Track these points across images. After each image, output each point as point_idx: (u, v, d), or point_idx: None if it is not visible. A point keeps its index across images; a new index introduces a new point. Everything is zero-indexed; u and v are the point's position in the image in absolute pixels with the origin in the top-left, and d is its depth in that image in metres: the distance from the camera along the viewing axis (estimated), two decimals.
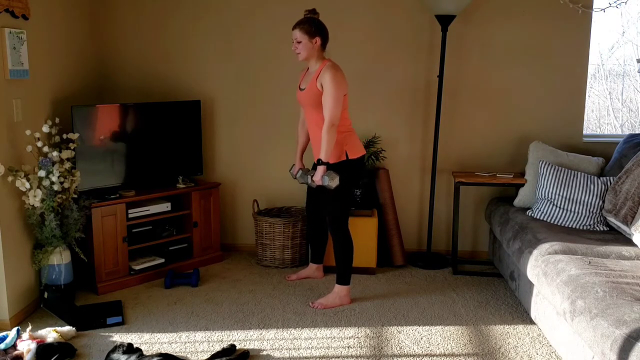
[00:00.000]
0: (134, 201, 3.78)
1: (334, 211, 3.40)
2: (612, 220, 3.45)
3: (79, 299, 3.55)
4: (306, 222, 3.91)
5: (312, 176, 3.38)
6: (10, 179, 3.13)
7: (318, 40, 3.29)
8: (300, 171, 3.61)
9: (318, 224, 3.74)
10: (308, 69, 3.43)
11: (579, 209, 3.56)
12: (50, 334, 2.97)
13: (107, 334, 3.12)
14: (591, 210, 3.54)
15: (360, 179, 3.42)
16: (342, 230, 3.43)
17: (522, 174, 4.00)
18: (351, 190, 3.40)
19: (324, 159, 3.26)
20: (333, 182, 3.26)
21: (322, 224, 3.73)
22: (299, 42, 3.29)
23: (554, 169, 3.71)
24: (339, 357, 2.91)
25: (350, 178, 3.37)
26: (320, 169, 3.28)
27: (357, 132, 4.13)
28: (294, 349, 2.98)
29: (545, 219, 3.62)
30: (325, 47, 3.35)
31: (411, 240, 4.40)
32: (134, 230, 3.81)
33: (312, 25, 3.28)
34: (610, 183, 3.54)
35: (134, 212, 3.79)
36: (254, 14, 4.20)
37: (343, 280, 3.49)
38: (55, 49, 3.64)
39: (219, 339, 3.07)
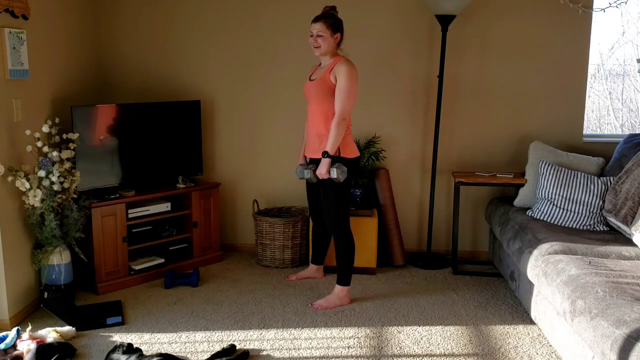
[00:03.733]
0: (134, 201, 3.78)
1: (332, 211, 3.39)
2: (612, 220, 3.45)
3: (79, 299, 3.55)
4: (311, 222, 3.90)
5: (313, 170, 3.36)
6: (10, 179, 3.13)
7: (339, 36, 3.29)
8: (300, 166, 3.57)
9: (322, 225, 3.70)
10: (320, 64, 3.42)
11: (579, 209, 3.56)
12: (50, 334, 2.97)
13: (107, 334, 3.12)
14: (591, 210, 3.54)
15: (352, 180, 3.40)
16: (344, 230, 3.42)
17: (522, 174, 4.00)
18: (347, 190, 3.38)
19: (330, 152, 3.24)
20: (342, 175, 3.24)
21: (326, 225, 3.71)
22: (320, 36, 3.26)
23: (554, 169, 3.71)
24: (339, 357, 2.91)
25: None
26: (325, 162, 3.24)
27: (357, 132, 4.17)
28: (294, 349, 2.98)
29: (545, 219, 3.61)
30: (340, 45, 3.35)
31: (411, 240, 4.40)
32: (134, 230, 3.81)
33: (336, 21, 3.29)
34: (610, 183, 3.54)
35: (134, 212, 3.79)
36: (254, 13, 4.20)
37: (343, 281, 3.48)
38: (55, 49, 3.64)
39: (219, 339, 3.07)
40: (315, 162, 3.40)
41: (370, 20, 4.15)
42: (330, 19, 3.27)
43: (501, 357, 2.91)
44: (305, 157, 3.61)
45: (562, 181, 3.65)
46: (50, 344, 2.85)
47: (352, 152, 3.36)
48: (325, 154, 3.24)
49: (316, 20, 3.29)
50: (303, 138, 3.66)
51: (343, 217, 3.41)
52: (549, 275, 2.88)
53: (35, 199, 3.20)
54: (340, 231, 3.42)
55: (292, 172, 4.05)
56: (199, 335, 3.11)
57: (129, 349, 2.83)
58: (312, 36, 3.29)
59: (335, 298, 3.48)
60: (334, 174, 3.23)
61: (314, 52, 3.34)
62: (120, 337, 3.08)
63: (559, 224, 3.56)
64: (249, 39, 4.23)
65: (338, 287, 3.49)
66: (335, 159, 3.27)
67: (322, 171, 3.26)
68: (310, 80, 3.42)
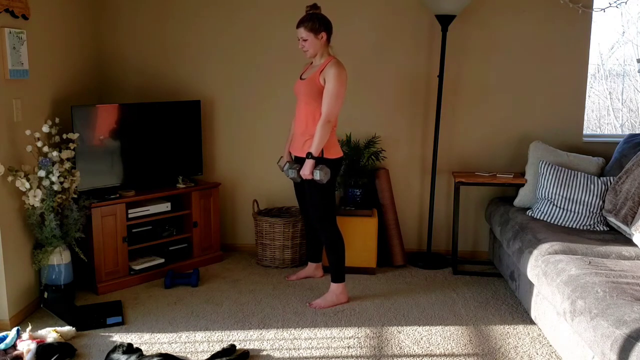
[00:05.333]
0: (134, 201, 3.78)
1: (317, 210, 3.39)
2: (612, 220, 3.45)
3: (79, 299, 3.55)
4: (303, 221, 3.92)
5: (297, 170, 3.37)
6: (10, 179, 3.13)
7: (324, 35, 3.28)
8: (288, 164, 3.56)
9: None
10: (312, 63, 3.42)
11: (579, 209, 3.56)
12: (50, 334, 2.97)
13: (107, 334, 3.12)
14: (591, 210, 3.54)
15: (336, 180, 3.41)
16: (330, 228, 3.42)
17: (522, 174, 4.00)
18: (331, 189, 3.39)
19: (314, 153, 3.24)
20: (325, 176, 3.24)
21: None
22: (305, 40, 3.27)
23: (554, 169, 3.71)
24: (339, 357, 2.91)
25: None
26: (309, 163, 3.24)
27: (357, 132, 4.18)
28: (294, 349, 2.98)
29: (545, 219, 3.61)
30: (330, 41, 3.34)
31: (411, 240, 4.40)
32: (134, 230, 3.81)
33: (316, 21, 3.27)
34: (611, 183, 3.54)
35: (134, 212, 3.79)
36: (254, 13, 4.20)
37: (337, 278, 3.48)
38: (55, 49, 3.64)
39: (219, 339, 3.07)
40: (299, 160, 3.40)
41: (370, 20, 4.14)
42: (311, 22, 3.26)
43: (501, 357, 2.91)
44: (290, 153, 3.60)
45: (562, 181, 3.65)
46: (50, 344, 2.85)
47: (335, 153, 3.36)
48: (309, 155, 3.25)
49: (298, 25, 3.29)
50: (289, 132, 3.64)
51: (328, 216, 3.41)
52: (549, 275, 2.88)
53: (35, 199, 3.20)
54: (326, 229, 3.42)
55: (283, 172, 4.03)
56: (199, 335, 3.11)
57: (129, 349, 2.83)
58: (299, 41, 3.31)
59: (333, 296, 3.48)
60: (317, 175, 3.24)
61: (304, 55, 3.36)
62: (120, 337, 3.08)
63: (559, 224, 3.56)
64: (249, 39, 4.23)
65: (333, 285, 3.49)
66: (319, 160, 3.28)
67: (305, 172, 3.27)
68: (301, 78, 3.43)
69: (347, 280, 3.54)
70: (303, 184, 3.41)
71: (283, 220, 4.06)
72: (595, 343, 2.33)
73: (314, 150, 3.24)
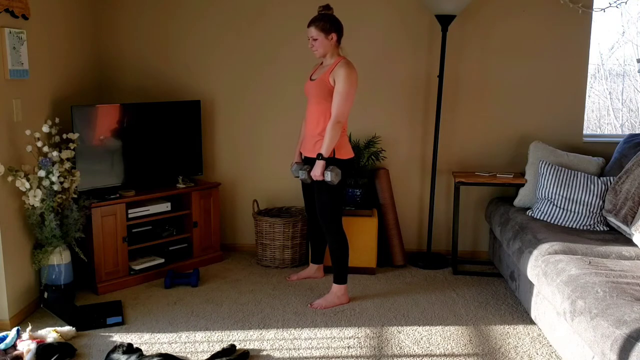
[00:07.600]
0: (134, 201, 3.78)
1: (325, 210, 3.40)
2: (612, 220, 3.45)
3: (79, 299, 3.55)
4: (307, 222, 3.92)
5: (308, 171, 3.37)
6: (10, 179, 3.13)
7: (334, 36, 3.29)
8: (296, 165, 3.58)
9: (318, 224, 3.72)
10: (322, 63, 3.43)
11: (579, 209, 3.56)
12: (50, 334, 2.97)
13: (107, 334, 3.12)
14: (591, 210, 3.54)
15: (346, 181, 3.41)
16: (335, 229, 3.42)
17: (522, 174, 4.00)
18: (341, 190, 3.39)
19: (325, 154, 3.24)
20: (336, 177, 3.24)
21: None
22: (315, 40, 3.28)
23: (554, 169, 3.71)
24: (339, 357, 2.91)
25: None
26: (320, 164, 3.25)
27: (357, 132, 4.18)
28: (294, 349, 2.98)
29: (545, 219, 3.62)
30: (340, 42, 3.35)
31: (411, 240, 4.40)
32: (134, 230, 3.81)
33: (328, 22, 3.27)
34: (611, 183, 3.54)
35: (134, 212, 3.79)
36: (254, 13, 4.20)
37: (340, 279, 3.49)
38: (55, 49, 3.64)
39: (219, 339, 3.07)
40: (310, 161, 3.40)
41: (370, 20, 4.14)
42: (322, 22, 3.27)
43: (501, 357, 2.91)
44: (300, 154, 3.61)
45: (562, 181, 3.65)
46: (50, 344, 2.85)
47: (346, 154, 3.36)
48: (319, 156, 3.25)
49: (309, 24, 3.30)
50: (300, 135, 3.66)
51: (336, 217, 3.41)
52: (549, 275, 2.88)
53: (35, 199, 3.20)
54: (332, 231, 3.42)
55: (292, 173, 4.05)
56: (199, 335, 3.11)
57: (129, 349, 2.83)
58: (309, 40, 3.32)
59: (334, 297, 3.48)
60: (328, 177, 3.24)
61: (314, 55, 3.35)
62: (120, 337, 3.08)
63: (559, 224, 3.56)
64: (249, 38, 4.23)
65: (335, 286, 3.50)
66: (330, 160, 3.28)
67: (316, 173, 3.27)
68: (310, 79, 3.43)
69: (347, 281, 3.54)
70: (313, 184, 3.41)
71: (283, 220, 4.06)
72: (595, 343, 2.33)
73: (325, 151, 3.24)
